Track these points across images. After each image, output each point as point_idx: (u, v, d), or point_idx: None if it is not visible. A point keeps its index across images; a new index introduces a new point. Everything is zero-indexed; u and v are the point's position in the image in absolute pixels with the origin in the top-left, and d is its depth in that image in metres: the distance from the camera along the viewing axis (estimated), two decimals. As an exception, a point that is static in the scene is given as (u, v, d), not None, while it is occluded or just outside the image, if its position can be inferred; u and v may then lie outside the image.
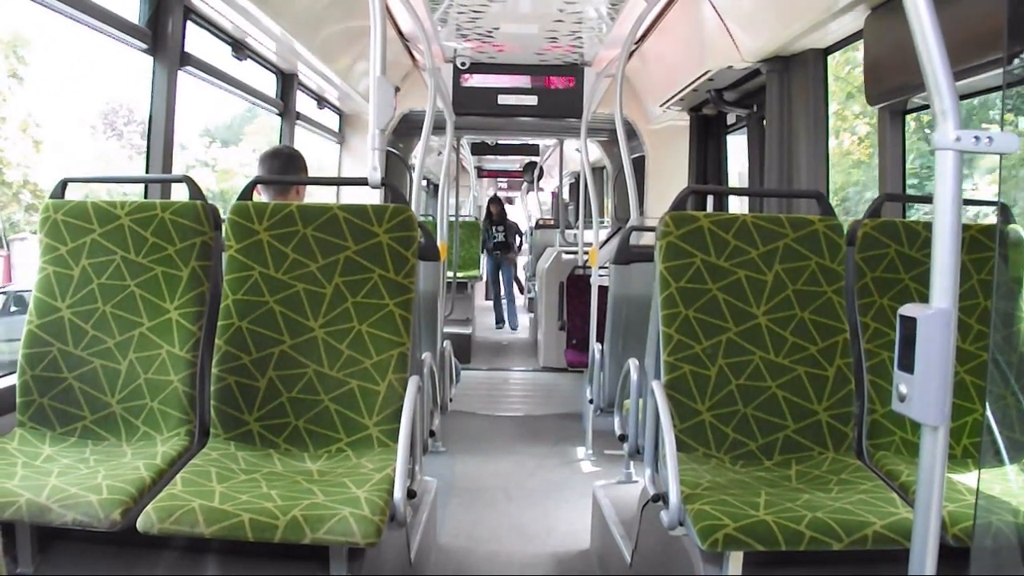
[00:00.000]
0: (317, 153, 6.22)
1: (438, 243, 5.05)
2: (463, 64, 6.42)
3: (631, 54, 5.06)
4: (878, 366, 2.58)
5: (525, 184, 16.22)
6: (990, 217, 2.82)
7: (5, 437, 2.43)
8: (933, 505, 1.44)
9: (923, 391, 1.40)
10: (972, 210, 3.23)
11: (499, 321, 11.28)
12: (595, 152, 9.30)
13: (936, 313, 1.39)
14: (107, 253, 2.61)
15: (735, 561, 2.12)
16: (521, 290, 13.27)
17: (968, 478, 2.33)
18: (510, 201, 20.39)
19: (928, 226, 1.45)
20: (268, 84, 4.95)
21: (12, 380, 2.57)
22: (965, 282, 2.62)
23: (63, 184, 2.70)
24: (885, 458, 2.49)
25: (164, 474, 2.24)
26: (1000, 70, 2.40)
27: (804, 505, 2.14)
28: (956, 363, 2.35)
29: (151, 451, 2.37)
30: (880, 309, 2.62)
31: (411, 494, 2.27)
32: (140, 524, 1.98)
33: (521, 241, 12.40)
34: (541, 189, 16.86)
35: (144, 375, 2.53)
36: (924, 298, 1.43)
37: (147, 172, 3.43)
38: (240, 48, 4.18)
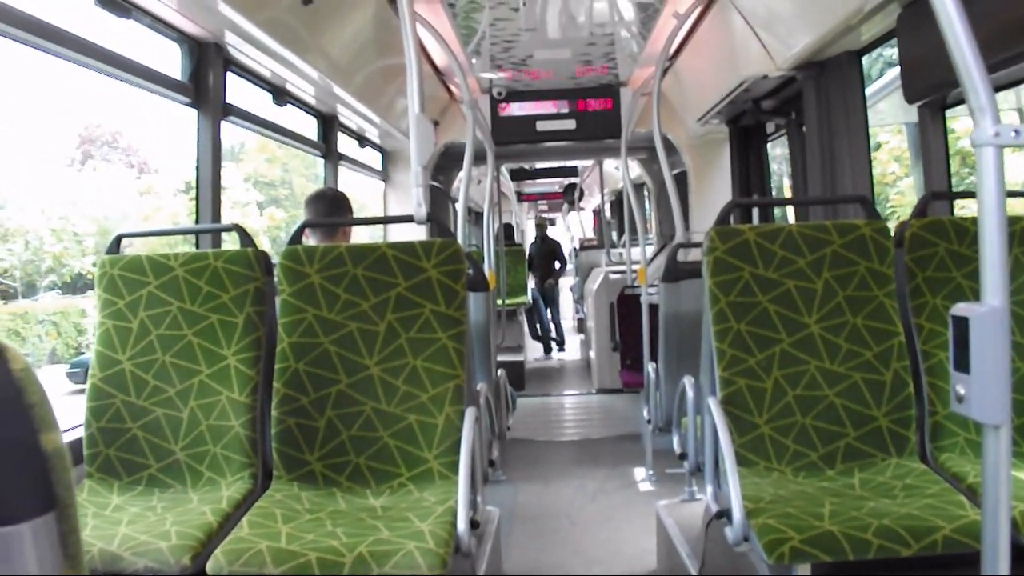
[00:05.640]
0: (359, 190, 6.28)
1: (486, 273, 5.07)
2: (499, 94, 6.46)
3: (665, 71, 5.07)
4: (936, 367, 2.54)
5: (566, 205, 16.22)
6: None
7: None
8: (1001, 505, 1.41)
9: (981, 390, 1.37)
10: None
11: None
12: (635, 169, 9.29)
13: (988, 311, 1.37)
14: (163, 304, 2.67)
15: (803, 573, 2.10)
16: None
17: None
18: (551, 223, 20.38)
19: (977, 221, 1.43)
20: (309, 127, 5.04)
21: (79, 433, 2.63)
22: (1018, 276, 2.58)
23: (118, 240, 2.79)
24: (950, 460, 2.45)
25: (230, 517, 2.28)
26: None
27: (870, 513, 2.11)
28: (1014, 358, 2.31)
29: (216, 495, 2.41)
30: (934, 309, 2.58)
31: (474, 524, 2.27)
32: (210, 568, 2.01)
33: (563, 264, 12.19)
34: (582, 208, 16.87)
35: (206, 421, 2.58)
36: (978, 295, 1.41)
37: (196, 223, 3.50)
38: (280, 94, 4.27)
